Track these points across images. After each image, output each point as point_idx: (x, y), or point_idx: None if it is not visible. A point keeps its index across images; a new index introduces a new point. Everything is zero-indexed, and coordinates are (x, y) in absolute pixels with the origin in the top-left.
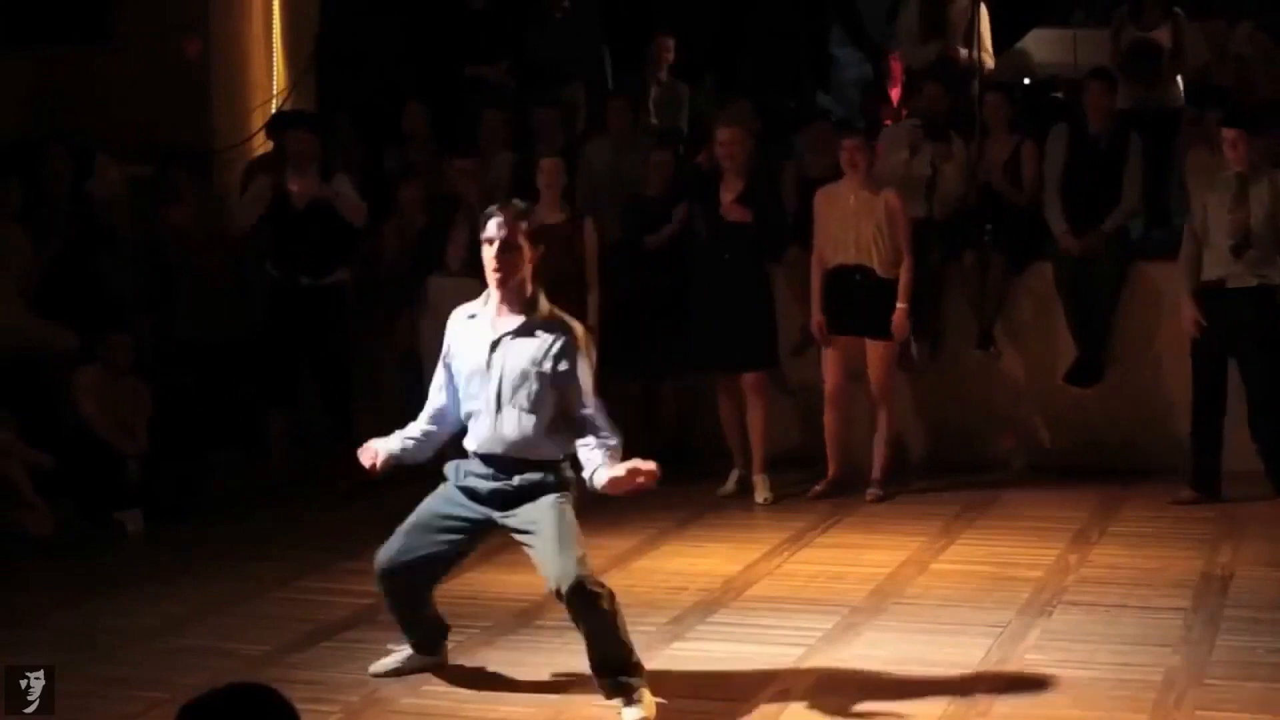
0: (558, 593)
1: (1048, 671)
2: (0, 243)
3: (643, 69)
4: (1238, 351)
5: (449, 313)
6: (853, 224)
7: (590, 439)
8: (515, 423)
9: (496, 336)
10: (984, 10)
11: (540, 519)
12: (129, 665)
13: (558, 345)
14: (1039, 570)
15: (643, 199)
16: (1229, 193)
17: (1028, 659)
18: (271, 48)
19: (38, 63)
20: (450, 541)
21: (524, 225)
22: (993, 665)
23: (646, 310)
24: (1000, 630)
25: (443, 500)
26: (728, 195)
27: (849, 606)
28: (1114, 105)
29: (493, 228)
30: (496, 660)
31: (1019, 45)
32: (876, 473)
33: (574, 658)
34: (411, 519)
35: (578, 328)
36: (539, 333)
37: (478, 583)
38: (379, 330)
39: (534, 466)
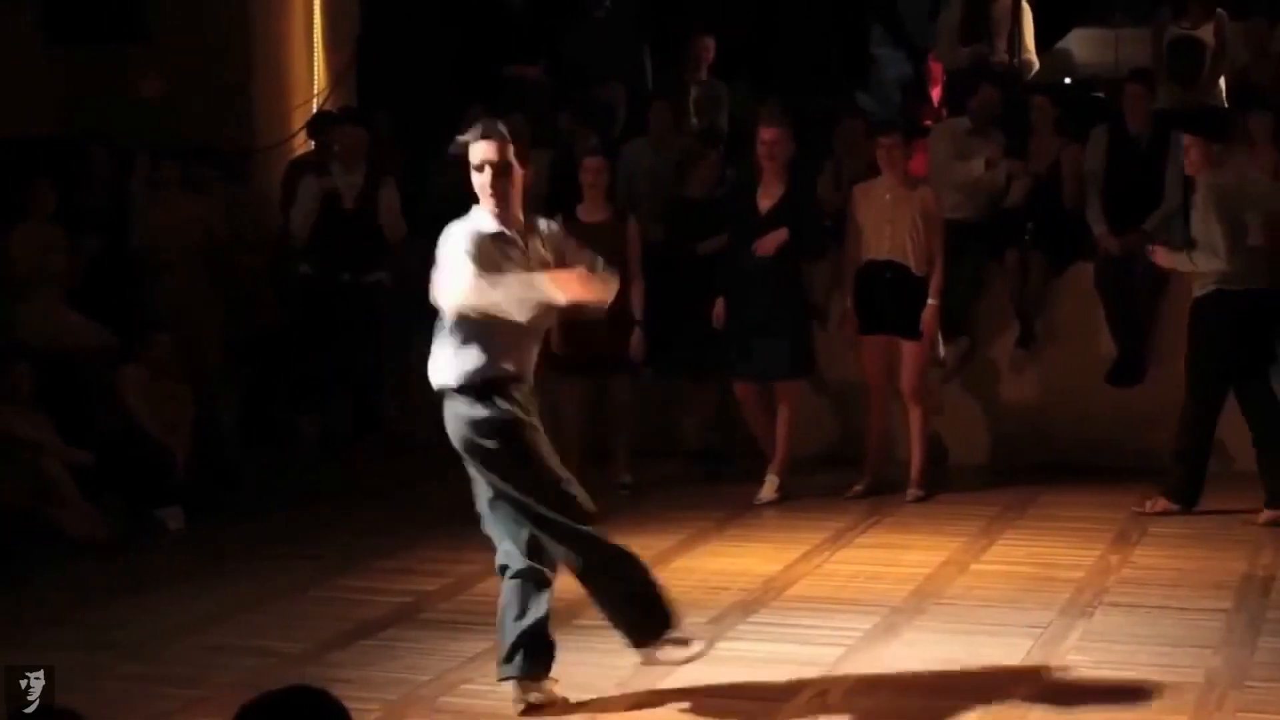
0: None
1: (1088, 673)
2: (37, 243)
3: (682, 69)
4: None
5: None
6: (888, 219)
7: None
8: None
9: (534, 258)
10: (1027, 9)
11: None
12: (166, 663)
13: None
14: (1080, 571)
15: (687, 200)
16: None
17: (1069, 660)
18: (312, 47)
19: (77, 62)
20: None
21: (512, 147)
22: (1033, 666)
23: (686, 311)
24: (1041, 631)
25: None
26: (765, 198)
27: (889, 607)
28: (1152, 106)
29: (483, 150)
30: None
31: (1060, 45)
32: (915, 473)
33: (612, 656)
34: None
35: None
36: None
37: None
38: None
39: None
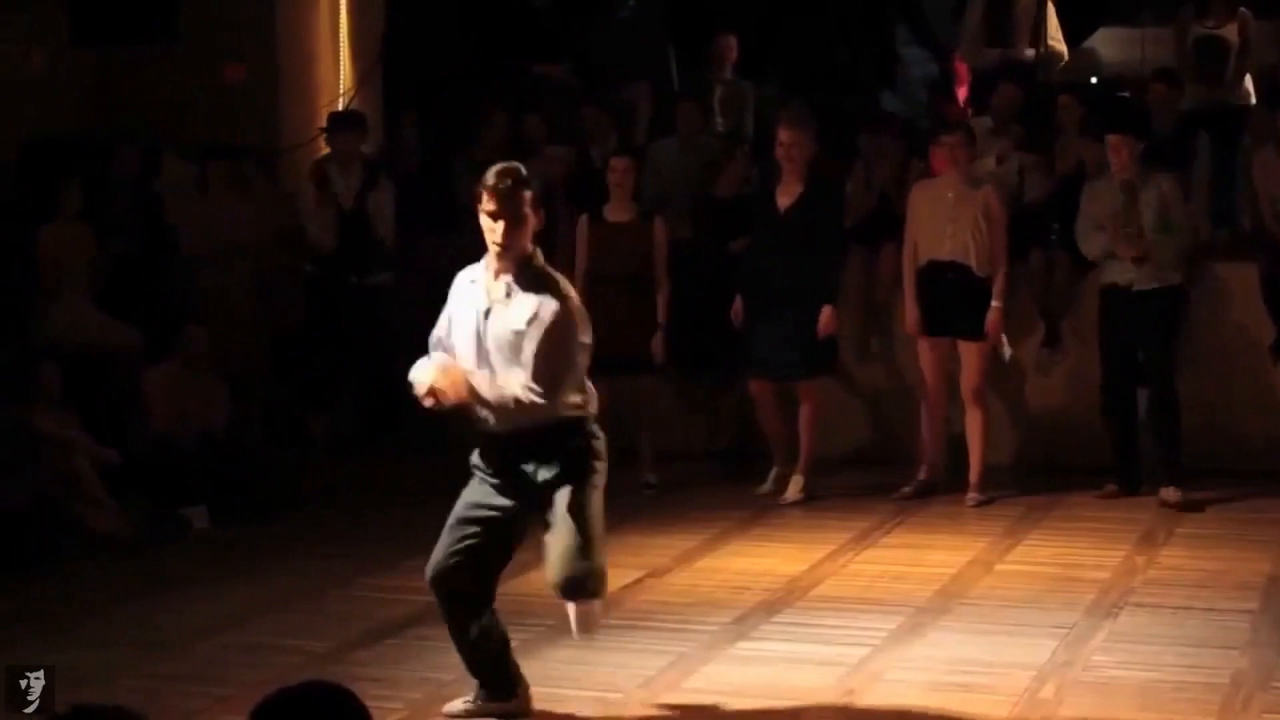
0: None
1: (1113, 673)
2: (65, 242)
3: (706, 68)
4: None
5: None
6: (950, 219)
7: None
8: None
9: (488, 304)
10: (1050, 5)
11: (559, 514)
12: (191, 662)
13: (538, 307)
14: (1105, 572)
15: (714, 200)
16: None
17: (1094, 661)
18: (338, 46)
19: (105, 61)
20: (490, 534)
21: (528, 194)
22: (1058, 666)
23: (712, 310)
24: (1066, 631)
25: (474, 490)
26: (784, 197)
27: (913, 607)
28: (1177, 105)
29: (501, 200)
30: (560, 658)
31: (1086, 44)
32: (975, 477)
33: (637, 656)
34: (450, 517)
35: (562, 292)
36: (525, 295)
37: (540, 581)
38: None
39: (546, 437)
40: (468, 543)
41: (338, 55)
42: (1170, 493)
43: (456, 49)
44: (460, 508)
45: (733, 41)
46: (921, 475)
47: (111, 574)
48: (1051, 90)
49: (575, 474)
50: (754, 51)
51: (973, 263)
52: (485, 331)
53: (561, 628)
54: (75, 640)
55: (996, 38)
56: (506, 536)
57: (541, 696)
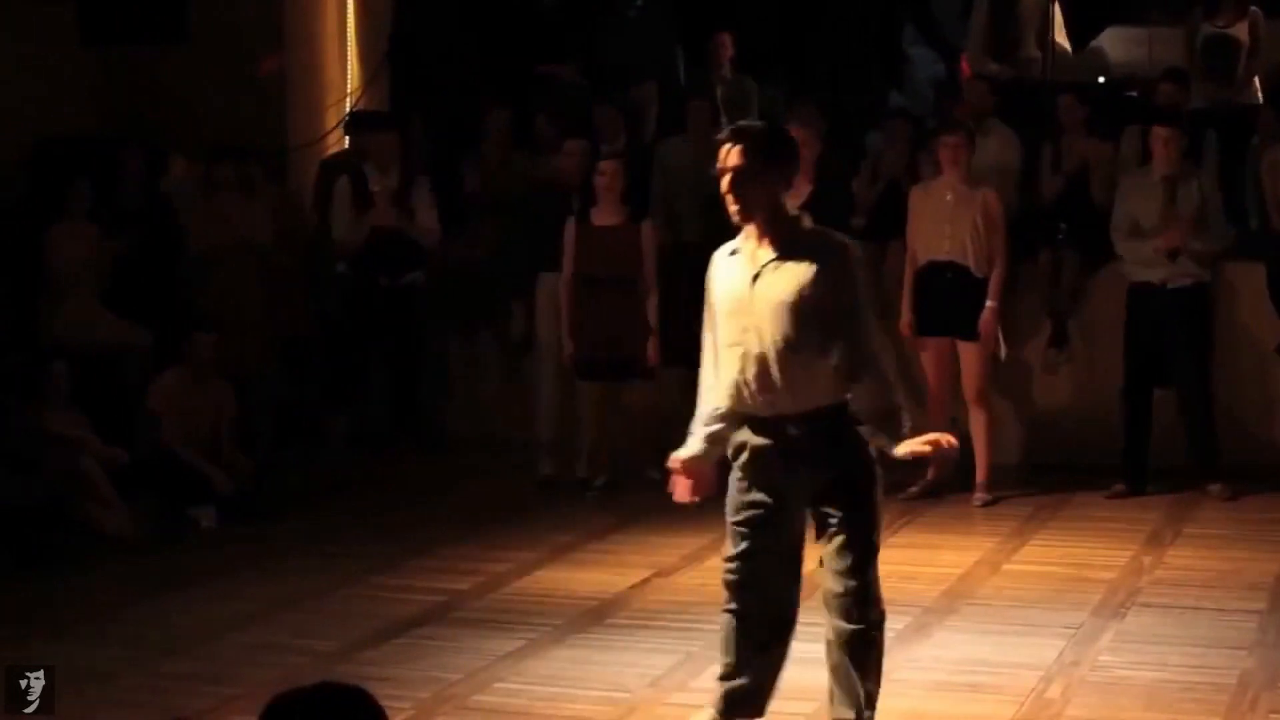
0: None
1: (1121, 674)
2: (73, 242)
3: (706, 68)
4: None
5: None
6: (948, 220)
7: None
8: (784, 367)
9: (757, 269)
10: (1055, 5)
11: (846, 513)
12: (200, 661)
13: (826, 266)
14: (1112, 572)
15: (720, 199)
16: None
17: (1101, 661)
18: (346, 46)
19: (113, 61)
20: (765, 539)
21: (757, 145)
22: (1065, 667)
23: None
24: (1074, 631)
25: (735, 488)
26: (793, 196)
27: (921, 607)
28: (1186, 105)
29: (724, 154)
30: (568, 658)
31: (1094, 44)
32: (981, 477)
33: (645, 655)
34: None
35: (850, 246)
36: (803, 255)
37: (548, 580)
38: (479, 324)
39: (820, 423)
40: (749, 560)
41: (345, 55)
42: (1216, 488)
43: (461, 49)
44: (728, 512)
45: (728, 39)
46: (928, 475)
47: (119, 574)
48: (1054, 90)
49: (855, 469)
50: (757, 51)
51: (970, 263)
52: (753, 299)
53: (569, 626)
54: (82, 639)
55: (1001, 44)
56: (789, 539)
57: (549, 696)
